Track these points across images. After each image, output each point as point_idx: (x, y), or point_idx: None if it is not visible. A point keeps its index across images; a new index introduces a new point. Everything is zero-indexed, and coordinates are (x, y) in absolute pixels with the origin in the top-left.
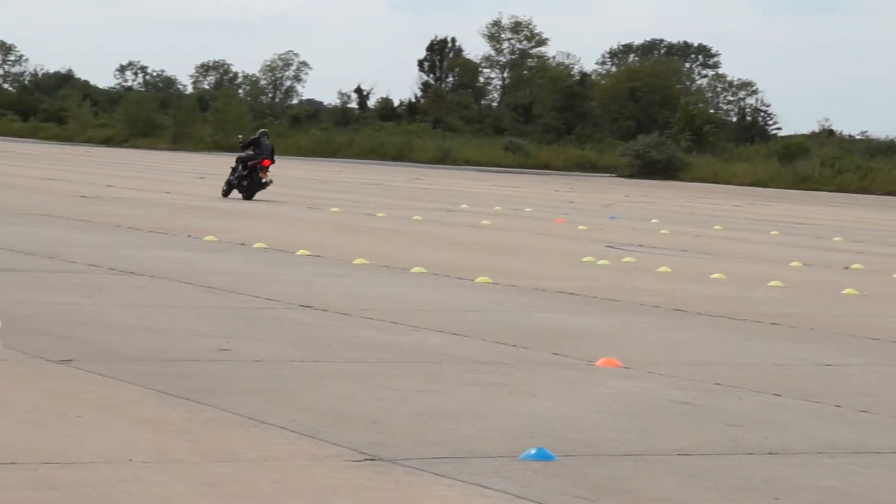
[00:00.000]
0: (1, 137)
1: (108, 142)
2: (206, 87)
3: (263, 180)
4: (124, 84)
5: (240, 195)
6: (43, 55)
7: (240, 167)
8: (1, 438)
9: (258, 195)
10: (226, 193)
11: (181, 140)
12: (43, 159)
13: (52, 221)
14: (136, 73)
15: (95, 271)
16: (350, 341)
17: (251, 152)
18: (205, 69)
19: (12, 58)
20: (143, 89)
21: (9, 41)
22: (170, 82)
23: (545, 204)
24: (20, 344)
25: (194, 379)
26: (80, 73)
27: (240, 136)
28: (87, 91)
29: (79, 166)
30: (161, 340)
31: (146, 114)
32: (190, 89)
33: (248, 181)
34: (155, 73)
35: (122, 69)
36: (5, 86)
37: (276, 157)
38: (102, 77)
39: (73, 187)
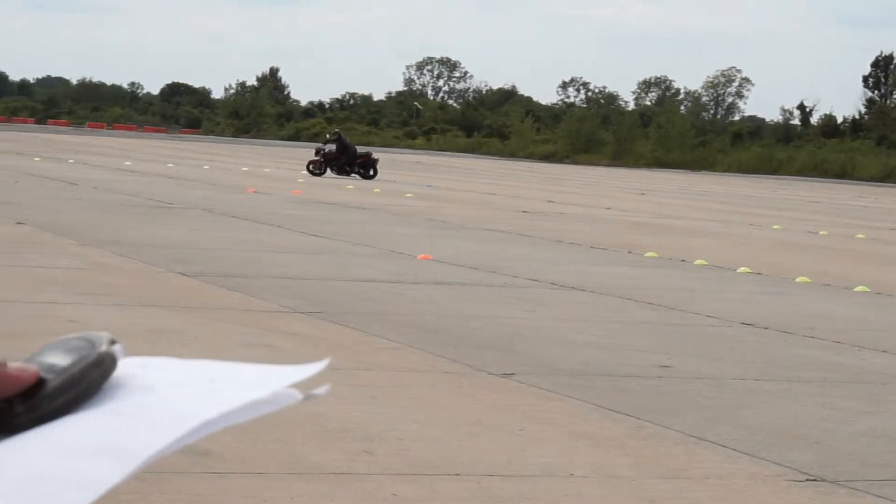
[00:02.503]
0: (445, 153)
1: (549, 157)
2: (648, 103)
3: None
4: (566, 100)
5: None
6: (487, 72)
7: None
8: (445, 450)
9: None
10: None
11: (622, 156)
12: (485, 174)
13: (494, 236)
14: (578, 90)
15: (536, 286)
16: (791, 360)
17: (333, 150)
18: (646, 85)
19: (457, 74)
20: (584, 105)
21: (454, 58)
22: (611, 98)
23: None
24: (465, 357)
25: (635, 395)
26: (523, 90)
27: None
28: (529, 107)
29: (520, 181)
30: (601, 356)
31: (588, 130)
32: (631, 105)
33: (362, 170)
34: (597, 90)
35: (564, 85)
36: (450, 102)
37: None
38: (545, 93)
39: (515, 202)
